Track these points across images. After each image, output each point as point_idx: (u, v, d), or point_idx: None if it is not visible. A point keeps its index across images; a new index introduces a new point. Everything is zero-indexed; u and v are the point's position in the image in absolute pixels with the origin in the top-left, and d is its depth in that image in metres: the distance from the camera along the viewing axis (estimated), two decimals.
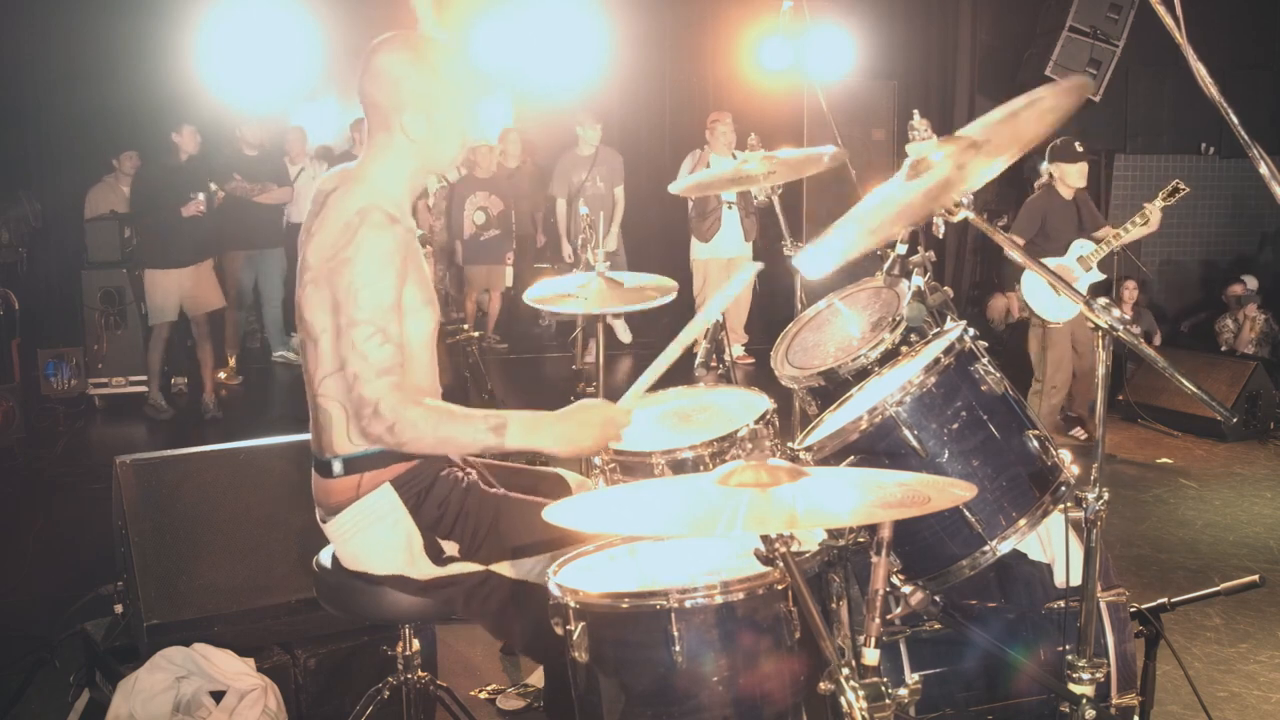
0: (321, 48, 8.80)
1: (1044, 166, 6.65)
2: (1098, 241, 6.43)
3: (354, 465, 2.48)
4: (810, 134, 9.25)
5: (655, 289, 3.66)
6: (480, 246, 9.03)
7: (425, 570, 2.52)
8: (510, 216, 9.10)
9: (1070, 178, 6.46)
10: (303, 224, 2.56)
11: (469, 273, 9.13)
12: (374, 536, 2.51)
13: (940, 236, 2.53)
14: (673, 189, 5.49)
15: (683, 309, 9.26)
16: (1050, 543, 2.62)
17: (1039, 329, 6.59)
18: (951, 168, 2.22)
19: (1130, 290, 8.32)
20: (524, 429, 2.39)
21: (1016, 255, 2.37)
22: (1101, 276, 6.63)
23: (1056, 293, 6.27)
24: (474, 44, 8.99)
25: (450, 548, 2.53)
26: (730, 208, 8.74)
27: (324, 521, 2.60)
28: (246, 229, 8.65)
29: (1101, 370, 2.18)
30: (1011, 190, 9.60)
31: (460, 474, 2.61)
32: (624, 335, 9.52)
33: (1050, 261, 6.47)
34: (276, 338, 9.58)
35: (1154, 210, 6.31)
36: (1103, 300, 2.16)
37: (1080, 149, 6.48)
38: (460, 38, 2.52)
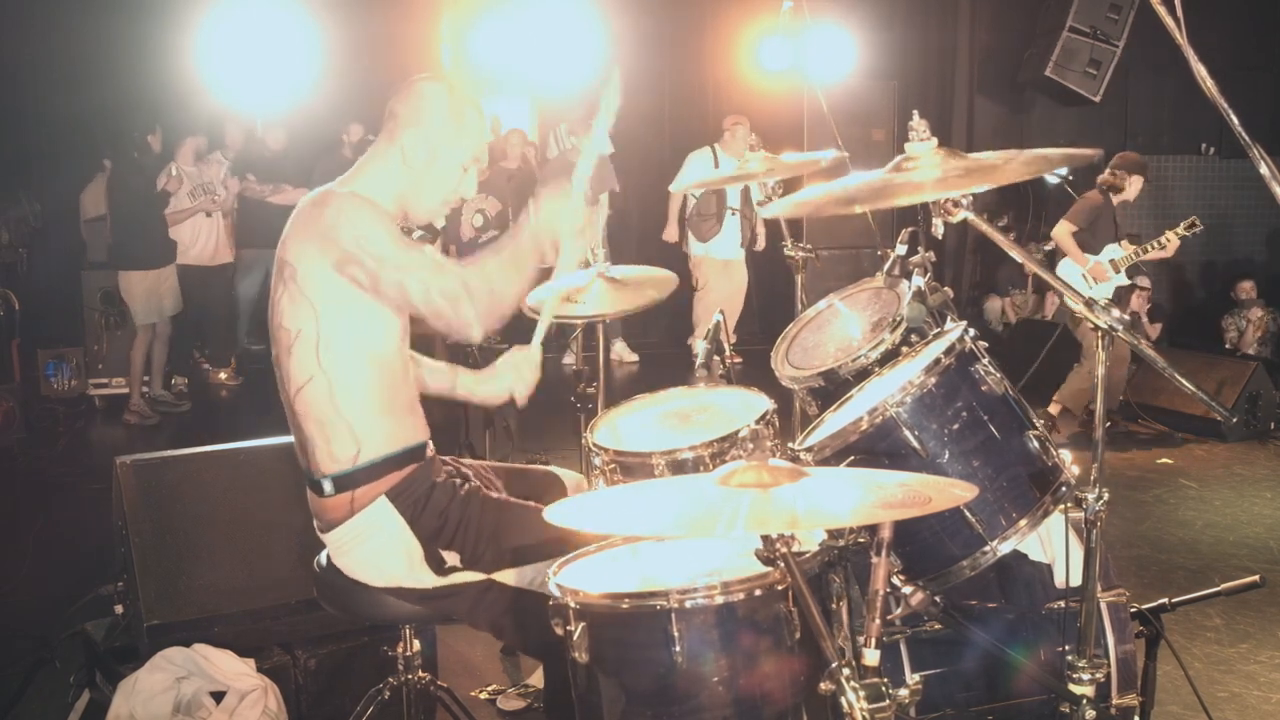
0: (321, 48, 8.81)
1: (1115, 169, 7.01)
2: (1126, 249, 6.83)
3: (344, 483, 2.47)
4: (810, 134, 9.25)
5: (653, 285, 3.65)
6: (477, 249, 9.01)
7: (427, 580, 2.51)
8: (507, 216, 9.09)
9: (1132, 189, 6.95)
10: (281, 235, 2.53)
11: None
12: (372, 551, 2.50)
13: (940, 237, 2.53)
14: (673, 189, 5.44)
15: (682, 309, 9.34)
16: (1050, 543, 2.62)
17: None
18: (931, 177, 2.23)
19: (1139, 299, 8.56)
20: (537, 222, 2.57)
21: (1017, 256, 2.38)
22: (1127, 281, 6.98)
23: (1089, 286, 6.79)
24: (475, 44, 9.00)
25: (452, 558, 2.52)
26: (734, 214, 8.76)
27: (321, 532, 2.59)
28: (263, 227, 8.65)
29: (1101, 370, 2.18)
30: (1012, 191, 9.60)
31: (459, 480, 2.60)
32: (627, 355, 9.54)
33: (1093, 260, 6.91)
34: None
35: (1172, 238, 6.85)
36: (1102, 300, 2.16)
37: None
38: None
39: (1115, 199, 6.93)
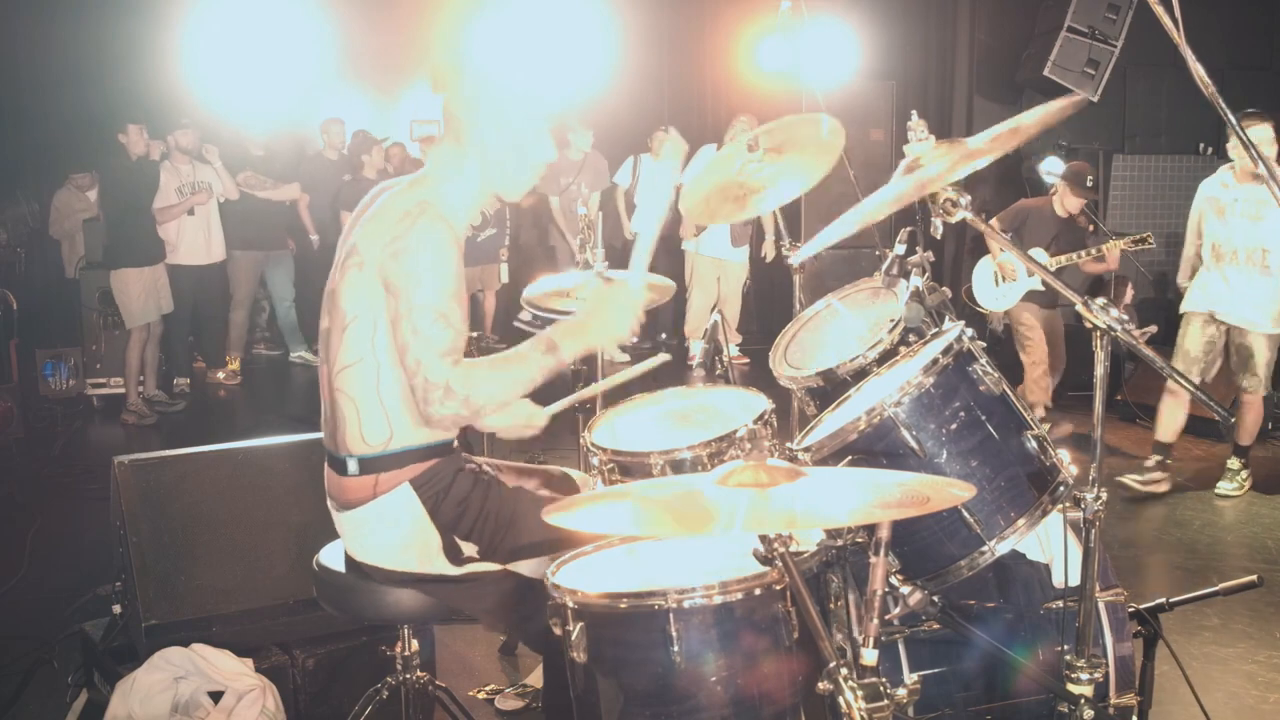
0: (318, 48, 8.81)
1: (1057, 179, 6.92)
2: (1053, 256, 6.64)
3: (370, 466, 2.47)
4: None
5: (654, 290, 3.65)
6: (476, 247, 9.00)
7: (441, 569, 2.52)
8: (505, 213, 9.09)
9: (1068, 202, 6.73)
10: (352, 214, 2.56)
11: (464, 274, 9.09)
12: (390, 536, 2.50)
13: (938, 237, 2.53)
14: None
15: (670, 308, 9.35)
16: (1049, 543, 2.62)
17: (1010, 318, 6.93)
18: (941, 169, 2.24)
19: None
20: (571, 337, 2.50)
21: (1014, 255, 2.38)
22: (1039, 286, 6.78)
23: (996, 284, 6.83)
24: (474, 44, 8.98)
25: (469, 549, 2.53)
26: None
27: (336, 511, 2.59)
28: (256, 229, 8.64)
29: (1100, 370, 2.18)
30: (1008, 190, 9.60)
31: (478, 471, 2.60)
32: (617, 355, 9.53)
33: (1003, 256, 6.78)
34: (293, 338, 9.55)
35: (1114, 248, 6.72)
36: (1100, 300, 2.16)
37: (1090, 185, 6.76)
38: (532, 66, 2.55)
39: (1059, 211, 6.77)
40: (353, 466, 2.48)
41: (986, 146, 2.26)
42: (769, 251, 8.98)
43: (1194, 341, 5.81)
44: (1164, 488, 5.91)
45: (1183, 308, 5.96)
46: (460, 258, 2.44)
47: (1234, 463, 5.99)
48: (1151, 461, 5.92)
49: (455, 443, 2.60)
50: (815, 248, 2.76)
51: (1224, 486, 5.93)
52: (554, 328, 2.52)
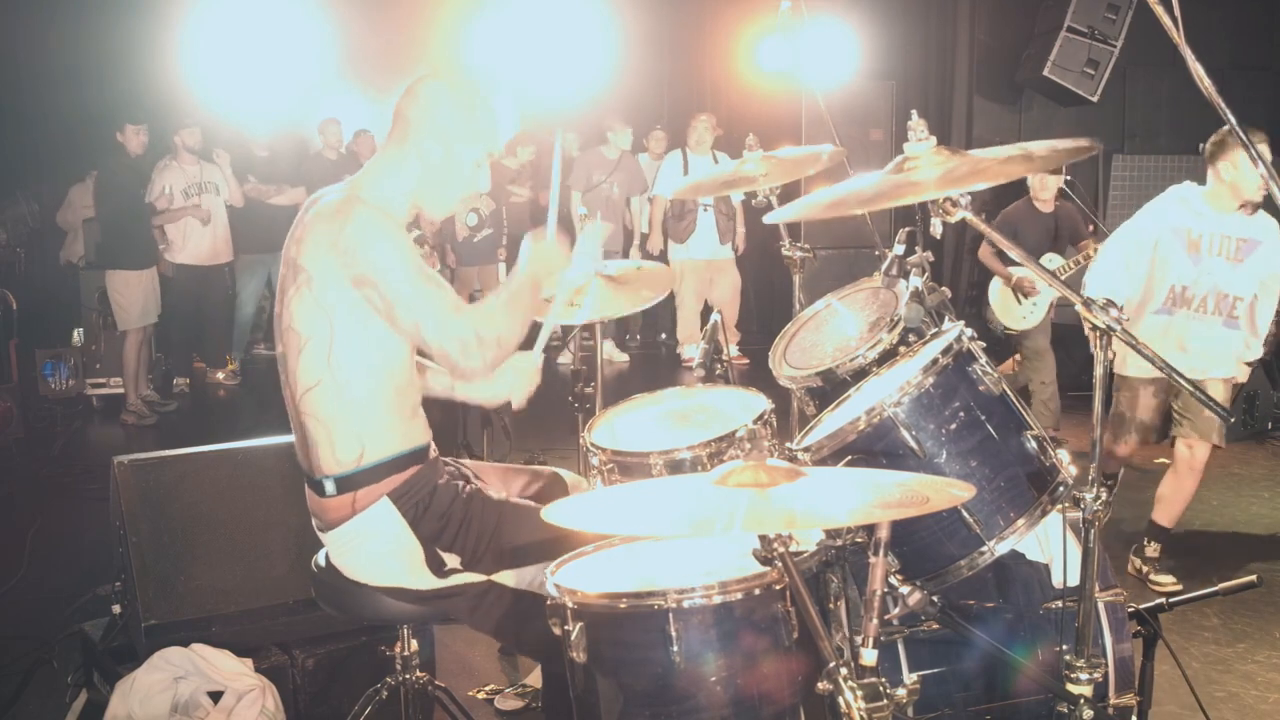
0: (319, 48, 8.81)
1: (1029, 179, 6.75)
2: (1068, 258, 6.51)
3: (346, 484, 2.47)
4: (808, 134, 9.25)
5: (649, 284, 3.66)
6: (473, 248, 9.00)
7: (426, 582, 2.52)
8: (502, 214, 9.09)
9: (1044, 192, 6.58)
10: (289, 233, 2.54)
11: (462, 274, 9.09)
12: (373, 551, 2.51)
13: (938, 237, 2.52)
14: (667, 192, 5.45)
15: (666, 308, 9.34)
16: (1048, 543, 2.62)
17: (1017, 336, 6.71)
18: (934, 176, 2.23)
19: None
20: (533, 266, 2.62)
21: (1015, 255, 2.38)
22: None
23: (1018, 301, 6.57)
24: (474, 43, 9.00)
25: (452, 560, 2.53)
26: (706, 210, 8.86)
27: (321, 531, 2.59)
28: (263, 232, 8.63)
29: (1099, 370, 2.18)
30: (1007, 190, 9.59)
31: (461, 482, 2.60)
32: (616, 355, 9.54)
33: (1015, 270, 6.58)
34: None
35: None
36: (1100, 299, 2.16)
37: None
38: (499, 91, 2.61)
39: (1042, 206, 6.58)
40: (330, 487, 2.48)
41: (993, 166, 2.21)
42: (740, 245, 9.13)
43: (1146, 408, 4.71)
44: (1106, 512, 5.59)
45: (1124, 371, 4.69)
46: (406, 235, 2.47)
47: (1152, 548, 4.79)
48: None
49: (432, 449, 2.60)
50: (792, 213, 2.71)
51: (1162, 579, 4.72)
52: (515, 276, 2.60)
